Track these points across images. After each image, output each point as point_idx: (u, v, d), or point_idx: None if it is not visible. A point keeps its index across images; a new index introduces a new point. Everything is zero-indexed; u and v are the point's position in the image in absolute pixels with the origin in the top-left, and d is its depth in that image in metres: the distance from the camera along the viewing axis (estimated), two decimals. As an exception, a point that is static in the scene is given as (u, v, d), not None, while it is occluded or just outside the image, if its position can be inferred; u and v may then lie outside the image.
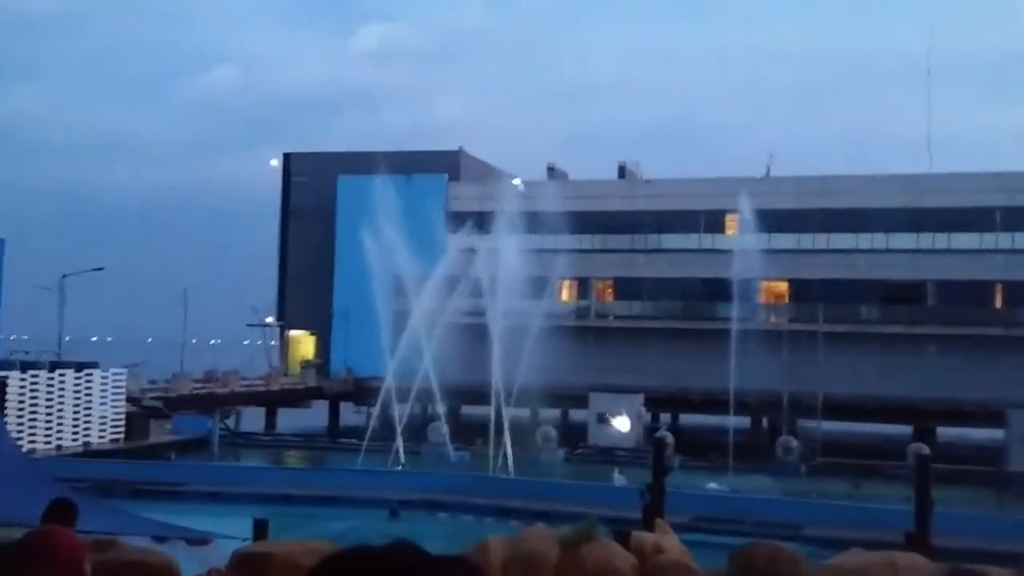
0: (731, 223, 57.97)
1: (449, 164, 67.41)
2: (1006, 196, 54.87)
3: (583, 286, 62.99)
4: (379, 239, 45.52)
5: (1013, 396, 48.03)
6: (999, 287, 56.15)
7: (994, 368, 50.83)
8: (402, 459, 43.62)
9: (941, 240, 56.02)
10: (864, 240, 57.80)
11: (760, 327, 50.58)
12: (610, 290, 64.15)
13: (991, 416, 50.03)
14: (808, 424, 48.88)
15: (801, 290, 57.67)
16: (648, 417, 56.66)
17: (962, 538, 23.59)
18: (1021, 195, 54.57)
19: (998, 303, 56.45)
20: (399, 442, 44.33)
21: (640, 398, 52.42)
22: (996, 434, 49.82)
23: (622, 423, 50.10)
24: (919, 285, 56.89)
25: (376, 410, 46.84)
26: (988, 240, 55.23)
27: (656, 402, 56.43)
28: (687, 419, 61.17)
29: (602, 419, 50.68)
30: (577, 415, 55.55)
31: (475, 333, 45.99)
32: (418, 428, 46.36)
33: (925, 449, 27.83)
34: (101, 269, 60.72)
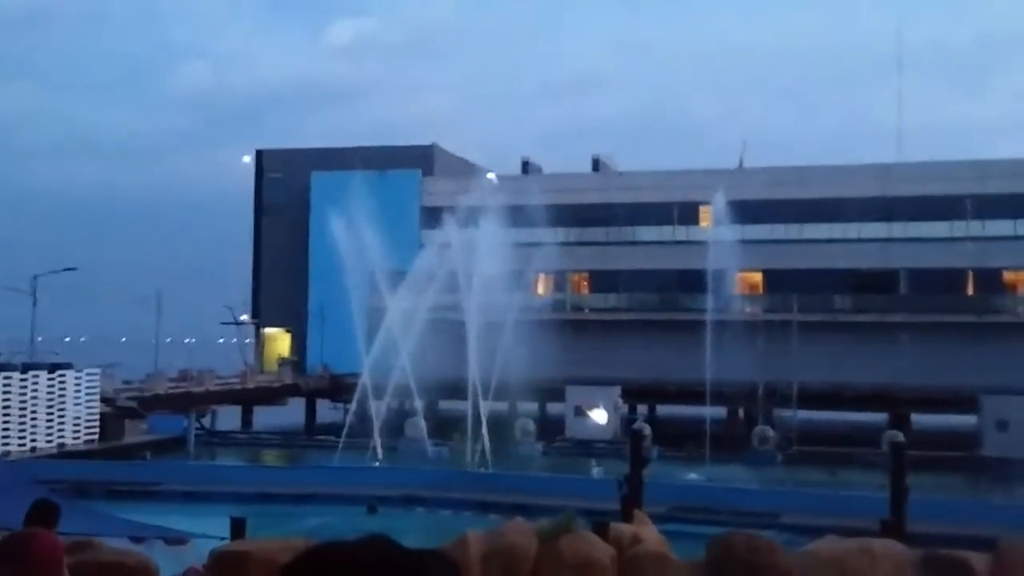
0: (705, 215, 58.20)
1: (423, 159, 67.29)
2: (976, 183, 55.35)
3: (559, 279, 63.06)
4: (353, 235, 45.37)
5: (986, 382, 48.49)
6: (970, 274, 56.67)
7: (967, 355, 51.30)
8: (380, 455, 43.53)
9: (913, 229, 56.47)
10: (837, 230, 58.19)
11: (735, 318, 50.80)
12: (586, 283, 64.28)
13: (965, 402, 50.52)
14: (784, 413, 49.17)
15: (775, 280, 57.98)
16: (625, 409, 56.80)
17: (937, 523, 23.76)
18: (991, 182, 55.06)
19: (969, 290, 56.98)
20: (376, 438, 44.23)
21: (617, 390, 52.51)
22: (970, 420, 50.33)
23: (599, 415, 50.20)
24: (891, 274, 57.34)
25: (353, 406, 46.74)
26: (959, 228, 55.72)
27: (633, 394, 56.61)
28: (664, 410, 61.36)
29: (579, 412, 50.77)
30: (555, 408, 55.63)
31: (451, 328, 45.93)
32: (396, 424, 46.28)
33: (900, 436, 28.02)
34: (73, 269, 60.25)
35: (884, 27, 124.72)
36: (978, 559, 12.56)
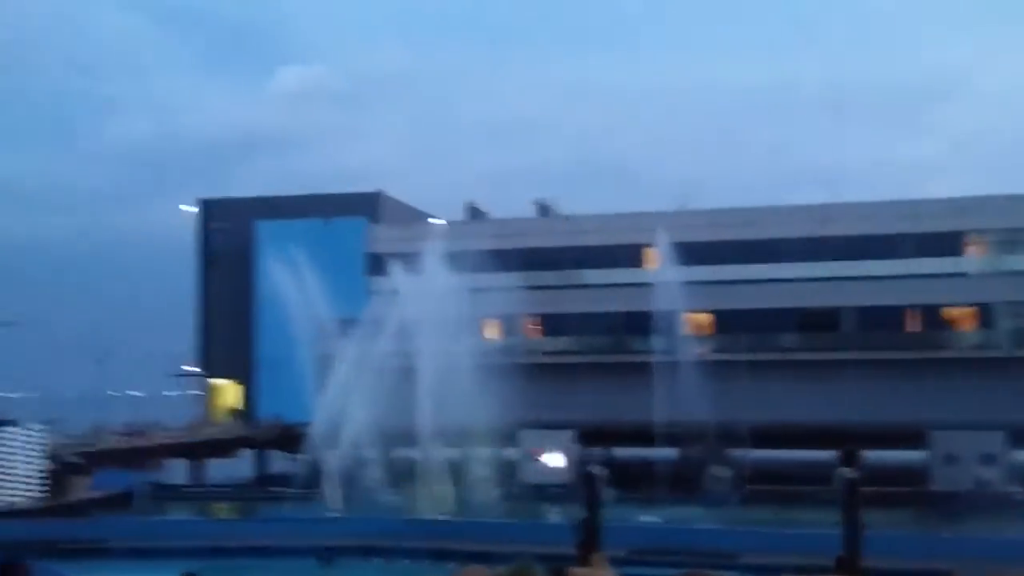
0: (650, 257, 58.74)
1: (369, 206, 67.18)
2: (912, 222, 56.43)
3: (511, 323, 63.09)
4: (299, 284, 45.16)
5: (931, 417, 49.26)
6: (912, 311, 57.61)
7: (914, 390, 52.05)
8: (334, 505, 43.06)
9: (855, 267, 57.38)
10: (782, 270, 58.90)
11: (685, 359, 51.17)
12: (538, 327, 64.39)
13: (913, 438, 51.30)
14: (737, 453, 49.47)
15: (723, 321, 58.49)
16: (580, 452, 56.78)
17: (891, 558, 24.01)
18: (928, 221, 56.18)
19: (912, 327, 57.91)
20: (330, 488, 43.77)
21: (571, 433, 52.50)
22: (919, 455, 51.07)
23: (555, 459, 50.16)
24: (836, 312, 58.11)
25: (305, 457, 46.25)
26: (899, 266, 56.70)
27: (588, 436, 56.61)
28: (620, 452, 61.34)
29: (533, 456, 50.69)
30: (510, 453, 55.46)
31: (403, 375, 45.77)
32: (350, 473, 45.82)
33: (852, 473, 28.30)
34: (13, 324, 59.22)
35: (823, 69, 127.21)
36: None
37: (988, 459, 46.98)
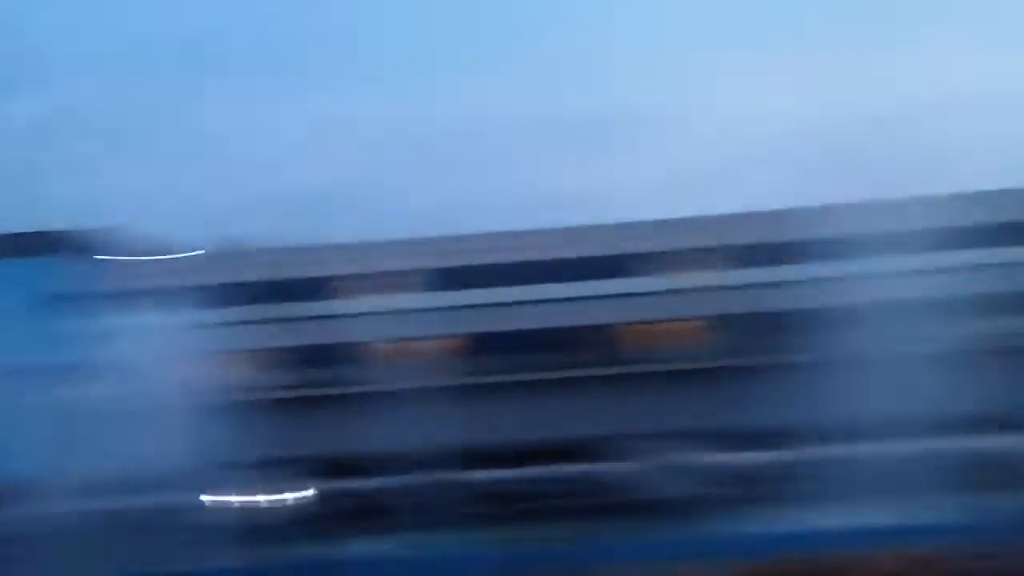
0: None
1: (82, 242, 63.11)
2: (633, 244, 58.64)
3: (255, 359, 61.58)
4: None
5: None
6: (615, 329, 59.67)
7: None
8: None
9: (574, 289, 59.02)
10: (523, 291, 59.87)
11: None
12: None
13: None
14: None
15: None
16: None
17: None
18: (644, 242, 58.35)
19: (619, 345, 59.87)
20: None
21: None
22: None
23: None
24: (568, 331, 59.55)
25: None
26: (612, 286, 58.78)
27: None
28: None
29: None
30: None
31: (116, 417, 43.56)
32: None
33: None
34: None
35: (535, 92, 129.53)
36: None
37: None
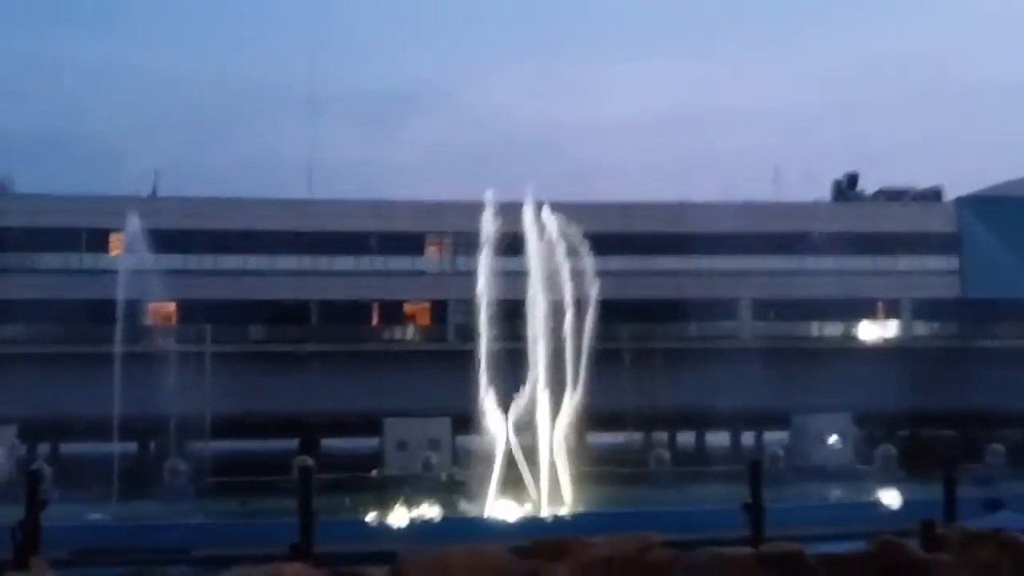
0: (116, 242, 55.81)
1: None
2: (379, 222, 59.21)
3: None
4: None
5: (388, 406, 51.92)
6: (375, 306, 60.43)
7: (373, 381, 54.37)
8: None
9: (323, 262, 58.94)
10: (251, 261, 58.84)
11: (147, 349, 49.15)
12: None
13: (370, 425, 53.72)
14: (196, 445, 48.48)
15: (189, 311, 57.08)
16: (24, 449, 52.41)
17: (346, 543, 24.79)
18: (392, 221, 59.22)
19: (374, 321, 60.72)
20: None
21: (13, 429, 48.34)
22: (374, 442, 53.52)
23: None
24: (303, 305, 59.30)
25: None
26: (364, 262, 59.18)
27: (33, 432, 52.45)
28: (70, 449, 57.49)
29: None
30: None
31: None
32: None
33: (308, 461, 28.91)
34: None
35: (295, 66, 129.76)
36: (378, 572, 13.24)
37: (434, 444, 50.45)
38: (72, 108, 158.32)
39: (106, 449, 46.58)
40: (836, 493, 43.87)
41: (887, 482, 39.09)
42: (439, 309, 59.87)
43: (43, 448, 57.24)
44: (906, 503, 32.68)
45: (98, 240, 57.45)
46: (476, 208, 39.47)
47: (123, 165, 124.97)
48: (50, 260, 57.66)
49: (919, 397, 50.78)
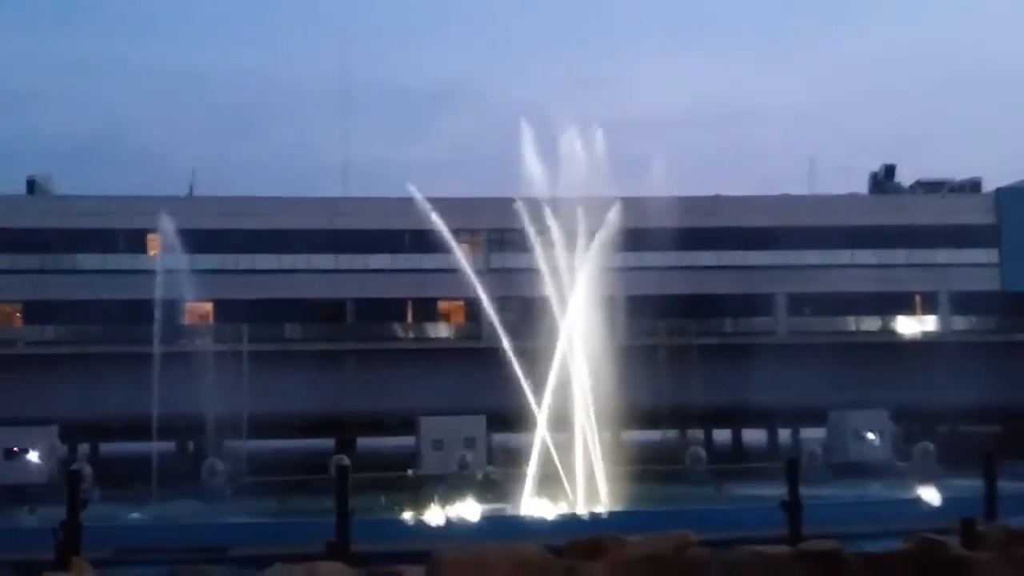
0: (153, 243, 56.31)
1: None
2: (413, 220, 59.16)
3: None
4: None
5: (423, 405, 51.97)
6: (410, 303, 60.49)
7: (408, 379, 54.46)
8: None
9: (358, 261, 59.05)
10: (287, 260, 59.11)
11: (185, 349, 49.58)
12: (19, 314, 59.09)
13: (405, 425, 53.83)
14: (234, 444, 48.82)
15: (225, 310, 57.45)
16: (65, 449, 53.02)
17: (382, 542, 24.87)
18: (426, 219, 59.14)
19: (409, 318, 60.80)
20: None
21: (54, 429, 48.94)
22: (410, 441, 53.64)
23: (34, 456, 46.42)
24: (339, 303, 59.47)
25: None
26: (399, 260, 59.22)
27: (74, 432, 53.02)
28: (109, 448, 58.15)
29: (10, 454, 46.50)
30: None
31: None
32: None
33: (345, 460, 29.02)
34: None
35: (328, 65, 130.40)
36: (414, 571, 13.27)
37: (470, 442, 50.46)
38: (110, 110, 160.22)
39: (145, 449, 47.06)
40: (875, 490, 43.52)
41: (926, 479, 38.62)
42: (473, 306, 59.85)
43: (83, 448, 57.91)
44: (946, 500, 32.29)
45: (136, 240, 57.93)
46: (509, 204, 39.45)
47: (161, 165, 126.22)
48: (88, 261, 58.19)
49: (958, 392, 50.13)
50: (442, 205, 60.65)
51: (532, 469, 37.08)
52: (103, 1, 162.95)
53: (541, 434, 37.15)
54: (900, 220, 62.12)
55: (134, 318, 52.43)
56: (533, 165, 38.89)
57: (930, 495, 34.15)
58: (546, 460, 37.31)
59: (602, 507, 35.89)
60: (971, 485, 29.55)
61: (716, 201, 61.15)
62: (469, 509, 35.05)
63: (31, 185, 62.69)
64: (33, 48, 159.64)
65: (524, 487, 36.93)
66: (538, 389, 37.02)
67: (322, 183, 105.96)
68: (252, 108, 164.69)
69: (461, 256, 43.73)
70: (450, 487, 40.62)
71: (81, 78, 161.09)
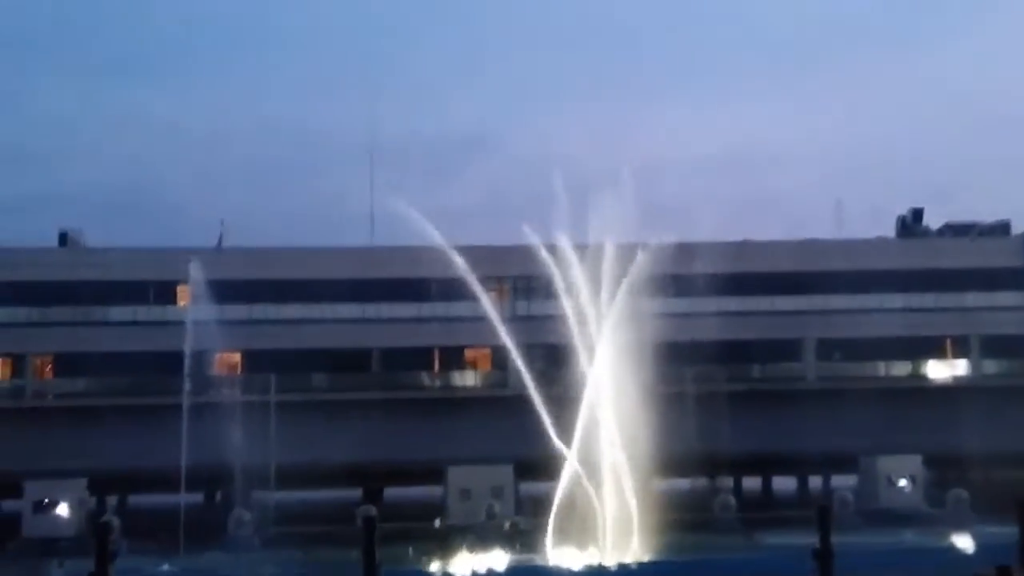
0: (183, 294, 56.74)
1: None
2: (439, 268, 59.27)
3: (18, 363, 57.92)
4: None
5: (450, 454, 51.78)
6: (436, 352, 60.46)
7: (435, 428, 54.33)
8: None
9: (384, 309, 59.19)
10: (314, 310, 59.33)
11: (213, 400, 49.73)
12: (50, 366, 59.56)
13: (432, 474, 53.61)
14: (261, 495, 48.78)
15: (253, 361, 57.66)
16: (93, 501, 53.18)
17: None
18: (452, 267, 59.21)
19: (436, 367, 60.74)
20: None
21: (83, 482, 49.14)
22: (437, 490, 53.39)
23: (63, 509, 46.60)
24: (366, 352, 59.54)
25: None
26: (426, 309, 59.30)
27: (103, 484, 53.17)
28: (137, 500, 58.25)
29: (39, 508, 46.69)
30: (11, 505, 50.63)
31: None
32: None
33: (372, 510, 28.91)
34: None
35: (354, 117, 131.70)
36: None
37: (497, 492, 50.19)
38: (141, 163, 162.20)
39: (173, 500, 47.10)
40: (907, 538, 42.88)
41: (960, 526, 38.06)
42: (500, 354, 59.74)
43: (111, 500, 58.03)
44: (980, 548, 31.77)
45: (166, 292, 58.38)
46: (535, 252, 39.55)
47: (190, 217, 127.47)
48: (119, 313, 58.64)
49: (990, 437, 49.48)
50: (468, 253, 61.02)
51: (554, 518, 36.76)
52: (133, 55, 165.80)
53: (567, 482, 36.90)
54: (929, 263, 61.73)
55: (163, 369, 52.79)
56: (560, 212, 39.01)
57: (964, 543, 33.64)
58: (574, 509, 37.03)
59: (631, 557, 35.56)
60: (1006, 532, 29.04)
61: (744, 246, 61.01)
62: (497, 560, 34.82)
63: (63, 238, 63.49)
64: (64, 104, 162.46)
65: (552, 537, 36.63)
66: (565, 437, 36.85)
67: (350, 233, 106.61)
68: (281, 160, 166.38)
69: (488, 303, 43.32)
70: (478, 537, 40.35)
71: (114, 132, 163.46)
